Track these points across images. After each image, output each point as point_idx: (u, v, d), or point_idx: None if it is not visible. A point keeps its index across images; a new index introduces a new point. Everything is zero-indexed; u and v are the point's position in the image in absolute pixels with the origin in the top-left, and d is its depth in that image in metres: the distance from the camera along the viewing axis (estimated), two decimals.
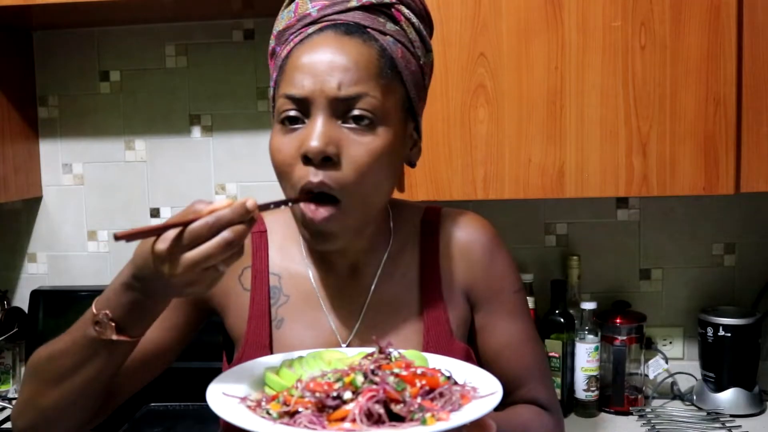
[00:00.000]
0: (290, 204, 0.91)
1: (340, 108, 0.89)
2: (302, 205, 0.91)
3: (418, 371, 0.76)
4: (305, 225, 0.92)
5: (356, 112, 0.89)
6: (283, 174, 0.92)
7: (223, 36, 1.95)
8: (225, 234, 0.76)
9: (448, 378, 0.79)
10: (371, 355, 0.80)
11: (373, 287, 1.03)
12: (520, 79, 1.54)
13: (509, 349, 1.05)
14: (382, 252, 1.04)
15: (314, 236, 0.93)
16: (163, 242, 0.77)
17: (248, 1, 1.74)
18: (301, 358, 0.88)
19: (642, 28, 1.51)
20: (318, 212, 0.90)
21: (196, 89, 1.97)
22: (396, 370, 0.75)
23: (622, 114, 1.53)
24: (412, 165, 1.03)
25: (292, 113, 0.90)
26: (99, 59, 1.99)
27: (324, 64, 0.89)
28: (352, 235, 0.96)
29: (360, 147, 0.89)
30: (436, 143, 1.55)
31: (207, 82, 1.97)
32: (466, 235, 1.06)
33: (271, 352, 1.00)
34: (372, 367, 0.75)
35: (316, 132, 0.88)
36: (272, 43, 0.99)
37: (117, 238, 0.74)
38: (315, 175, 0.88)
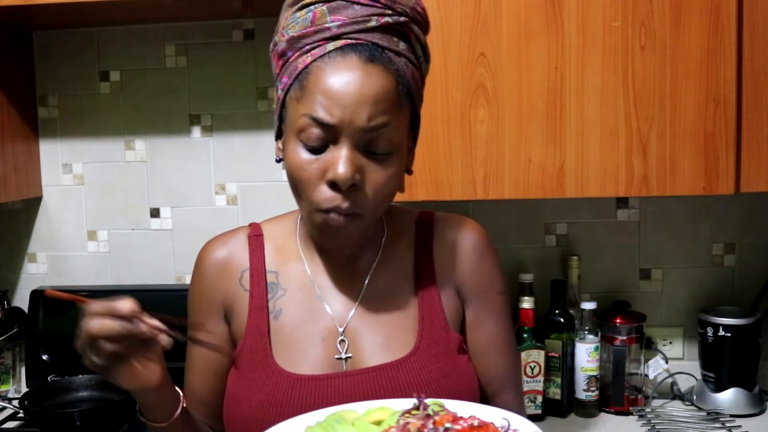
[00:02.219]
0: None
1: (365, 138, 0.94)
2: (328, 215, 0.95)
3: (475, 423, 0.77)
4: (326, 228, 0.97)
5: (380, 146, 0.95)
6: (302, 190, 0.97)
7: (223, 36, 1.95)
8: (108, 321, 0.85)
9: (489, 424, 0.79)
10: (409, 412, 0.80)
11: (368, 277, 1.08)
12: (520, 79, 1.54)
13: (494, 347, 1.11)
14: (376, 245, 1.10)
15: (331, 237, 0.99)
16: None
17: (248, 1, 1.74)
18: (320, 423, 0.87)
19: (642, 28, 1.51)
20: (341, 222, 0.95)
21: (196, 89, 1.97)
22: (448, 425, 0.76)
23: (622, 114, 1.53)
24: (409, 172, 1.07)
25: (318, 136, 0.94)
26: (99, 59, 1.99)
27: (353, 94, 0.92)
28: (362, 235, 1.02)
29: (379, 173, 0.96)
30: (436, 143, 1.55)
31: (207, 82, 1.97)
32: (458, 234, 1.11)
33: (270, 341, 1.04)
34: (430, 425, 0.76)
35: (346, 162, 0.93)
36: (282, 44, 0.98)
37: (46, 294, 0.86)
38: (343, 201, 0.94)
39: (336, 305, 1.06)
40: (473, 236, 1.11)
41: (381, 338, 1.04)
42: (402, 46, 0.97)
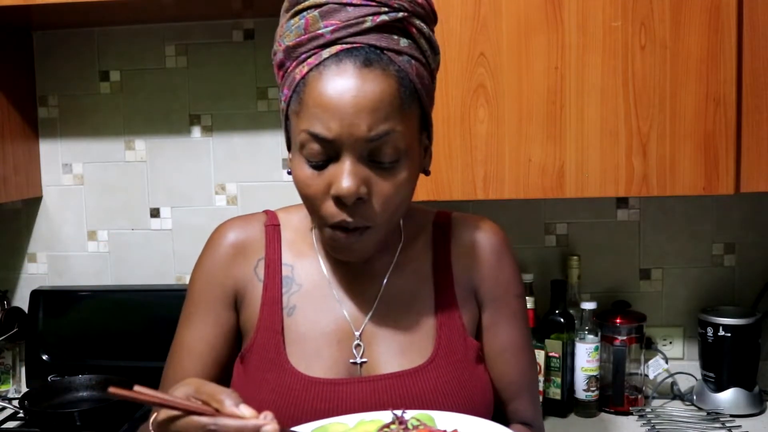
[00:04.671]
0: None
1: (368, 148, 0.89)
2: (334, 232, 0.93)
3: None
4: (336, 244, 0.95)
5: (385, 155, 0.90)
6: (311, 205, 0.95)
7: (223, 36, 1.95)
8: None
9: None
10: (388, 426, 0.79)
11: (386, 279, 1.05)
12: (520, 79, 1.54)
13: (509, 352, 1.08)
14: (394, 248, 1.07)
15: (343, 251, 0.96)
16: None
17: (248, 1, 1.74)
18: None
19: (642, 28, 1.51)
20: (350, 239, 0.93)
21: (196, 89, 1.97)
22: None
23: (622, 114, 1.53)
24: (427, 173, 1.03)
25: (318, 152, 0.90)
26: (99, 59, 2.00)
27: (349, 105, 0.87)
28: (377, 246, 0.98)
29: (387, 183, 0.92)
30: (436, 143, 1.55)
31: (207, 82, 1.97)
32: (476, 236, 1.09)
33: (283, 338, 1.01)
34: None
35: (349, 176, 0.89)
36: (280, 54, 0.95)
37: (112, 393, 0.72)
38: (350, 216, 0.91)
39: (352, 307, 1.03)
40: (491, 237, 1.09)
41: (397, 344, 1.01)
42: (404, 43, 0.92)
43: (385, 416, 0.85)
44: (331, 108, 0.88)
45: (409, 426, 0.78)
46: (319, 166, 0.91)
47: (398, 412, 0.81)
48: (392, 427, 0.79)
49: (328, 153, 0.90)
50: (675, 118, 1.52)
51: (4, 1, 1.61)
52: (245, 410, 0.73)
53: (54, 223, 2.05)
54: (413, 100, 0.93)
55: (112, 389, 0.71)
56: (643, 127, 1.53)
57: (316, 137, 0.89)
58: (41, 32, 2.00)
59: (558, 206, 1.91)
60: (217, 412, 0.73)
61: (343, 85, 0.88)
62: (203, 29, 1.95)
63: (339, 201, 0.90)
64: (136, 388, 0.72)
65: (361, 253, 0.97)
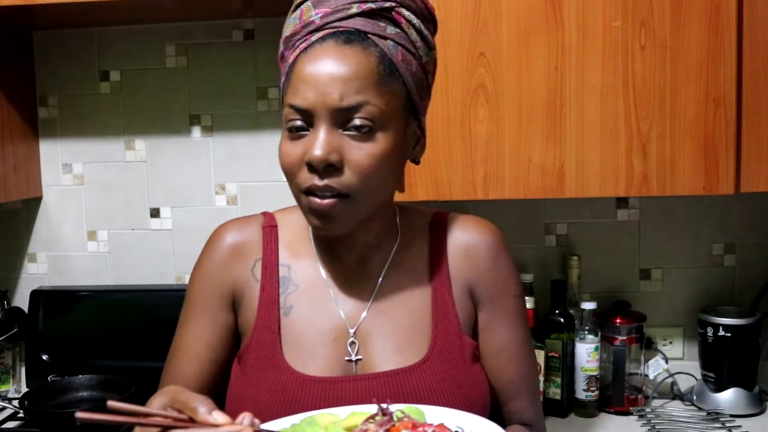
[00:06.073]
0: None
1: (341, 117, 0.93)
2: (309, 198, 0.95)
3: (428, 430, 0.76)
4: (312, 211, 0.96)
5: (356, 121, 0.93)
6: (289, 176, 0.98)
7: (223, 36, 1.95)
8: None
9: None
10: (373, 417, 0.79)
11: (381, 277, 1.06)
12: (520, 79, 1.54)
13: (507, 352, 1.08)
14: (389, 247, 1.08)
15: (322, 220, 0.96)
16: None
17: (248, 1, 1.74)
18: (294, 425, 0.86)
19: (642, 28, 1.51)
20: (324, 204, 0.94)
21: (196, 89, 1.97)
22: None
23: (622, 114, 1.53)
24: (416, 162, 1.07)
25: (297, 123, 0.95)
26: (99, 59, 1.99)
27: (325, 76, 0.93)
28: (358, 222, 0.99)
29: (360, 152, 0.94)
30: (436, 143, 1.55)
31: (207, 82, 1.97)
32: (473, 236, 1.09)
33: (280, 338, 1.02)
34: (381, 431, 0.75)
35: (319, 142, 0.93)
36: (281, 47, 1.01)
37: (78, 419, 0.70)
38: (320, 180, 0.94)
39: (347, 305, 1.04)
40: (488, 238, 1.09)
41: (393, 342, 1.02)
42: (390, 30, 0.96)
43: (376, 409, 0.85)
44: (309, 80, 0.93)
45: (394, 418, 0.78)
46: (298, 137, 0.95)
47: (384, 405, 0.81)
48: (377, 418, 0.79)
49: (306, 123, 0.94)
50: (675, 118, 1.52)
51: (4, 1, 1.61)
52: (218, 417, 0.74)
53: (54, 223, 2.05)
54: (394, 80, 0.96)
55: (78, 414, 0.71)
56: (643, 128, 1.53)
57: (295, 108, 0.94)
58: (41, 32, 2.00)
59: (558, 206, 1.91)
60: (192, 421, 0.74)
61: (322, 60, 0.94)
62: (203, 29, 1.95)
63: (312, 167, 0.94)
64: (109, 404, 0.73)
65: (340, 224, 0.97)
